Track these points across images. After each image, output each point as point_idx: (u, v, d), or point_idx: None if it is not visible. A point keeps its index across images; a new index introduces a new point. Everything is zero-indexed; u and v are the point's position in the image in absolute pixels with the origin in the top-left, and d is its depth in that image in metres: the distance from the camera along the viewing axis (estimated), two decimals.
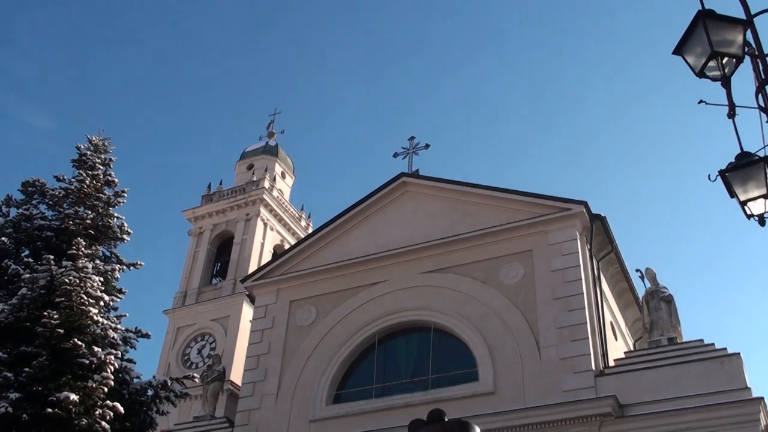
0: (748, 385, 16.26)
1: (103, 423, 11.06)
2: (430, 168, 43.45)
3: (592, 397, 17.12)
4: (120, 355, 12.33)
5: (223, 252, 33.04)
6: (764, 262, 68.28)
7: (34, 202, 14.85)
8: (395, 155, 24.12)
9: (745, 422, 15.67)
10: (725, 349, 17.08)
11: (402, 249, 21.49)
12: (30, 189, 14.93)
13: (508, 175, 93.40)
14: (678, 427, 16.11)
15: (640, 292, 20.55)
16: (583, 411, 16.90)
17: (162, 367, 26.87)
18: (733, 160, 8.52)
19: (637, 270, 19.99)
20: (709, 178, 8.30)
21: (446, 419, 2.86)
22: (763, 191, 8.16)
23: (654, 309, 18.29)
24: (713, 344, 17.33)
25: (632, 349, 22.17)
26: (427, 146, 24.17)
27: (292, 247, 24.32)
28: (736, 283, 74.25)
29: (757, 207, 8.20)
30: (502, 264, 20.11)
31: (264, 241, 32.83)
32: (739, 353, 16.82)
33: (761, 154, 8.42)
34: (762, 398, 15.96)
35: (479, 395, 17.89)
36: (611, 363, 18.45)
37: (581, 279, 19.04)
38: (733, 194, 8.22)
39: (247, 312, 26.99)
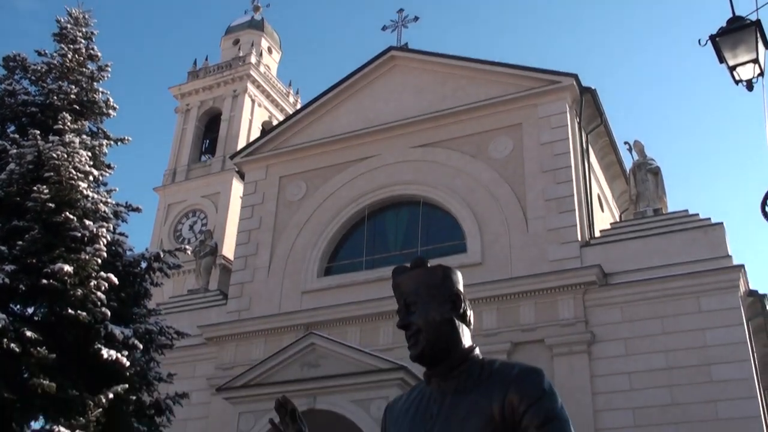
0: (730, 253, 16.68)
1: (99, 293, 11.27)
2: (419, 42, 42.85)
3: (577, 267, 17.53)
4: (112, 229, 12.42)
5: (211, 129, 32.83)
6: (750, 131, 68.50)
7: (16, 77, 14.55)
8: (384, 28, 23.68)
9: (725, 288, 16.15)
10: (709, 219, 17.40)
11: (391, 124, 21.42)
12: (11, 64, 14.60)
13: (498, 49, 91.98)
14: (660, 294, 16.59)
15: (628, 164, 20.71)
16: (568, 280, 17.34)
17: (155, 244, 27.17)
18: (725, 26, 8.43)
19: (626, 142, 20.05)
20: (699, 43, 8.22)
21: (429, 265, 2.92)
22: (753, 56, 8.11)
23: (641, 181, 18.46)
24: (697, 214, 17.62)
25: (618, 220, 22.51)
26: (416, 19, 23.68)
27: (281, 123, 24.21)
28: (722, 153, 74.78)
29: (745, 72, 8.15)
30: (491, 138, 20.12)
31: (252, 118, 32.59)
32: (722, 223, 17.16)
33: (753, 17, 8.31)
34: (742, 265, 16.39)
35: (467, 266, 18.25)
36: (597, 234, 18.79)
37: (570, 152, 19.11)
38: (722, 59, 8.16)
39: (237, 188, 27.11)
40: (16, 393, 10.64)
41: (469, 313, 2.92)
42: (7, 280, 10.94)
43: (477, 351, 2.87)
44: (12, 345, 10.53)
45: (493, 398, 2.62)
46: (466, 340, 2.88)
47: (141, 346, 11.96)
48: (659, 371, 15.95)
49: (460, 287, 2.95)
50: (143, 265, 12.84)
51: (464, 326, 2.89)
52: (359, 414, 15.49)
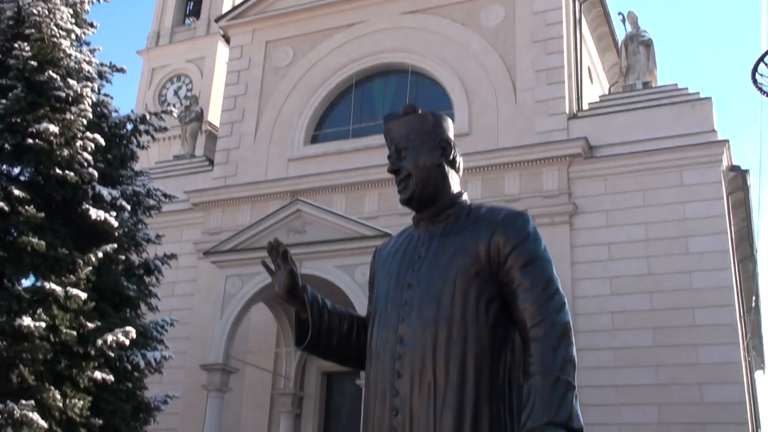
0: (715, 128, 16.74)
1: (85, 154, 11.24)
2: None
3: (564, 139, 17.58)
4: (96, 89, 12.24)
5: None
6: (744, 4, 67.28)
7: None
8: None
9: (710, 162, 16.30)
10: (697, 93, 17.34)
11: None
12: None
13: None
14: (644, 167, 16.75)
15: (620, 36, 20.40)
16: (554, 152, 17.41)
17: (139, 109, 26.78)
18: None
19: (619, 13, 19.67)
20: None
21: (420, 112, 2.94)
22: None
23: (632, 53, 18.25)
24: (686, 89, 17.55)
25: (607, 93, 22.40)
26: None
27: None
28: (714, 28, 73.71)
29: None
30: (482, 5, 19.67)
31: None
32: (710, 98, 17.11)
33: None
34: (727, 140, 16.50)
35: (455, 136, 18.20)
36: (585, 106, 18.74)
37: (562, 22, 18.77)
38: None
39: (223, 53, 26.54)
40: (6, 251, 10.80)
41: (459, 159, 2.98)
42: None
43: (465, 196, 2.94)
44: (0, 203, 10.59)
45: (480, 239, 2.71)
46: (455, 185, 2.94)
47: (129, 207, 12.05)
48: (638, 242, 16.31)
49: (451, 134, 2.99)
50: (129, 127, 12.74)
51: (453, 172, 2.95)
52: (344, 279, 15.87)
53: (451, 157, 2.94)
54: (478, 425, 2.51)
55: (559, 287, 2.64)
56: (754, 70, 5.24)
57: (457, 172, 2.98)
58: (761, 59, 4.71)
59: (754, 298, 21.02)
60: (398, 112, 3.02)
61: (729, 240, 16.11)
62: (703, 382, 14.85)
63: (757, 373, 23.96)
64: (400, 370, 2.63)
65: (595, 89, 21.83)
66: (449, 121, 3.04)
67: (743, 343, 16.61)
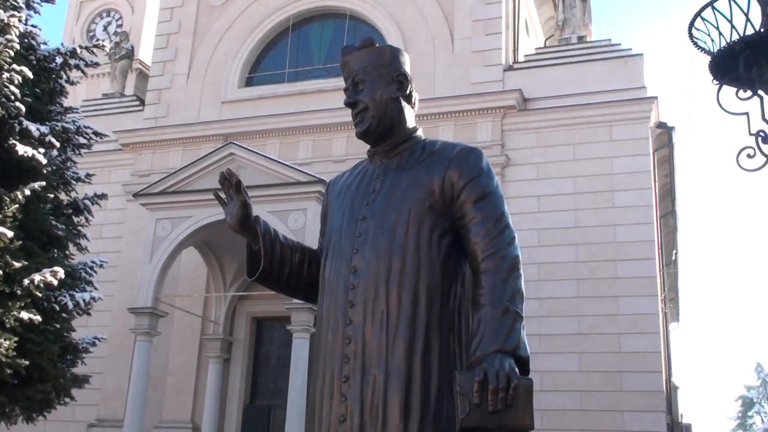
0: (645, 85, 17.12)
1: (12, 87, 10.76)
2: None
3: (499, 90, 17.73)
4: (24, 20, 11.73)
5: None
6: None
7: None
8: None
9: (638, 119, 16.70)
10: (630, 49, 17.66)
11: None
12: None
13: None
14: (575, 122, 17.05)
15: None
16: (489, 103, 17.56)
17: (66, 44, 25.80)
18: None
19: None
20: None
21: (377, 45, 2.94)
22: None
23: (569, 7, 18.41)
24: (620, 44, 17.85)
25: (542, 46, 22.58)
26: None
27: None
28: None
29: None
30: None
31: None
32: (642, 54, 17.46)
33: None
34: (656, 97, 16.89)
35: None
36: (521, 59, 18.88)
37: None
38: None
39: None
40: None
41: (415, 94, 3.00)
42: None
43: (420, 131, 2.97)
44: None
45: (434, 174, 2.75)
46: (410, 120, 2.97)
47: (58, 144, 11.67)
48: (566, 196, 16.67)
49: (407, 68, 3.00)
50: (58, 60, 12.28)
51: (409, 107, 2.97)
52: (277, 225, 15.74)
53: (408, 91, 2.96)
54: (428, 353, 2.58)
55: (509, 222, 2.71)
56: (691, 24, 5.34)
57: (413, 107, 3.01)
58: (698, 14, 4.83)
59: (674, 252, 21.83)
60: (355, 45, 3.02)
61: (653, 195, 16.65)
62: (621, 332, 15.42)
63: (672, 325, 24.99)
64: (353, 300, 2.68)
65: (531, 42, 21.99)
66: (406, 55, 3.05)
67: (661, 296, 17.30)
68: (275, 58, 20.53)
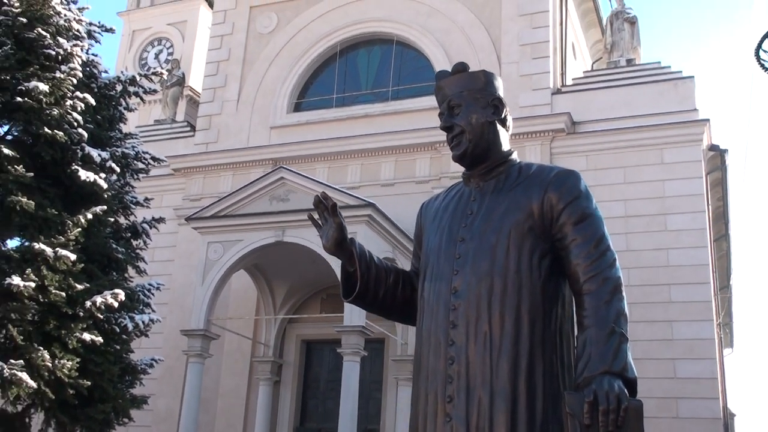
0: (696, 108, 16.97)
1: (74, 114, 11.08)
2: None
3: (547, 114, 17.71)
4: (86, 49, 12.08)
5: None
6: None
7: None
8: None
9: (690, 141, 16.54)
10: (680, 72, 17.55)
11: None
12: None
13: None
14: (625, 145, 16.96)
15: (605, 13, 20.54)
16: (537, 126, 17.54)
17: (118, 72, 26.45)
18: None
19: None
20: None
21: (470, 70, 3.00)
22: None
23: (617, 30, 18.39)
24: (669, 67, 17.75)
25: (590, 69, 22.53)
26: None
27: None
28: (700, 8, 74.28)
29: None
30: None
31: None
32: (692, 77, 17.33)
33: None
34: (708, 120, 16.73)
35: (438, 108, 18.25)
36: (569, 82, 18.86)
37: None
38: None
39: (205, 17, 26.26)
40: None
41: (509, 118, 3.04)
42: None
43: (515, 154, 3.01)
44: None
45: (533, 196, 2.79)
46: (506, 143, 3.01)
47: (118, 170, 11.95)
48: (617, 219, 16.50)
49: (501, 93, 3.05)
50: (118, 88, 12.61)
51: (504, 130, 3.02)
52: None
53: (503, 115, 3.01)
54: (533, 374, 2.60)
55: (610, 244, 2.73)
56: (758, 47, 5.32)
57: (507, 130, 3.05)
58: (766, 36, 4.80)
59: (728, 276, 21.47)
60: (448, 71, 3.08)
61: (707, 218, 16.42)
62: (676, 357, 15.18)
63: (726, 351, 24.52)
64: (454, 321, 2.71)
65: (578, 66, 21.96)
66: (500, 80, 3.10)
67: (716, 321, 16.99)
68: (323, 84, 20.77)
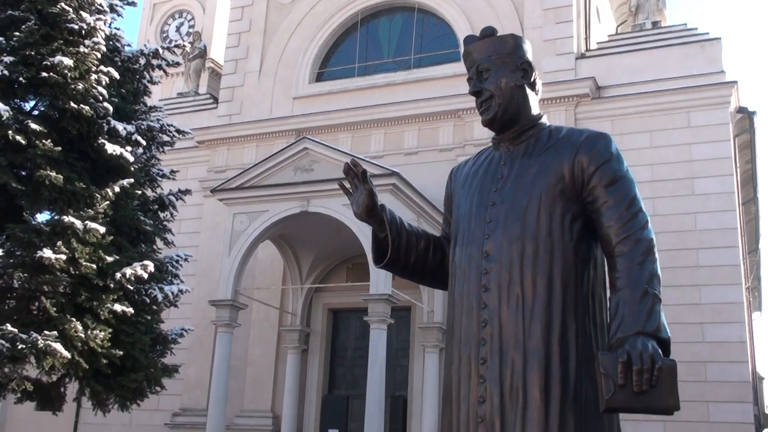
0: (724, 70, 16.71)
1: (99, 88, 11.16)
2: None
3: (571, 79, 17.53)
4: (108, 23, 12.12)
5: None
6: None
7: None
8: None
9: (717, 104, 16.32)
10: (707, 33, 17.26)
11: None
12: None
13: None
14: (651, 108, 16.76)
15: None
16: (562, 92, 17.36)
17: (140, 45, 26.54)
18: None
19: None
20: None
21: (499, 34, 2.98)
22: None
23: None
24: (696, 29, 17.47)
25: (615, 33, 22.21)
26: None
27: None
28: None
29: None
30: None
31: None
32: (719, 38, 17.04)
33: None
34: (735, 82, 16.48)
35: (460, 75, 18.17)
36: (593, 46, 18.64)
37: None
38: None
39: None
40: (24, 184, 10.83)
41: (538, 82, 3.03)
42: (6, 72, 10.79)
43: (545, 118, 3.01)
44: (17, 137, 10.57)
45: (563, 159, 2.78)
46: (535, 107, 3.01)
47: (143, 143, 12.04)
48: (644, 184, 16.31)
49: (530, 57, 3.03)
50: (142, 61, 12.66)
51: (533, 94, 3.01)
52: (351, 217, 15.79)
53: (532, 78, 3.00)
54: (566, 335, 2.62)
55: (642, 206, 2.73)
56: None
57: (537, 94, 3.04)
58: None
59: (757, 240, 21.27)
60: (476, 35, 3.06)
61: (734, 182, 16.24)
62: (704, 321, 15.13)
63: (755, 314, 24.36)
64: (487, 285, 2.73)
65: (602, 29, 21.66)
66: (528, 43, 3.08)
67: (745, 284, 16.88)
68: (345, 53, 20.69)
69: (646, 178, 16.33)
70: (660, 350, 2.42)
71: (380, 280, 14.80)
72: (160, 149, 13.29)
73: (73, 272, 10.45)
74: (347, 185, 3.13)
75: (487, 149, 3.11)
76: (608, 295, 2.67)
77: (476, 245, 2.81)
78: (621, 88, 17.21)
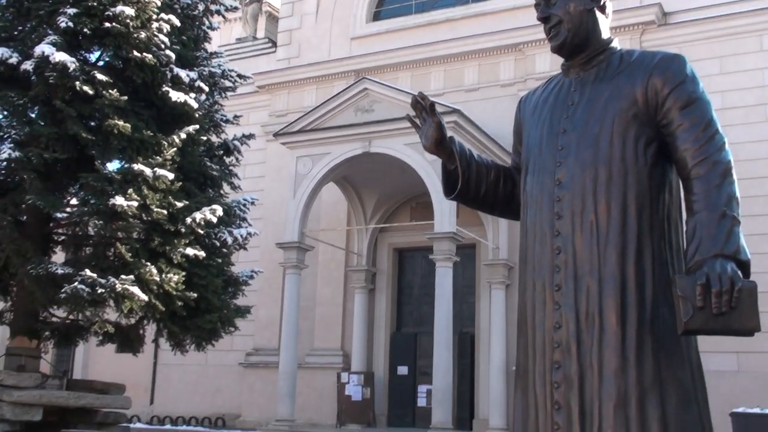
0: None
1: (161, 36, 11.29)
2: None
3: (636, 6, 16.99)
4: None
5: None
6: None
7: None
8: None
9: None
10: None
11: None
12: None
13: None
14: (722, 33, 16.18)
15: None
16: (627, 20, 16.85)
17: None
18: None
19: None
20: None
21: None
22: None
23: None
24: None
25: None
26: None
27: None
28: None
29: None
30: None
31: None
32: None
33: None
34: None
35: (521, 7, 17.77)
36: None
37: None
38: None
39: None
40: (94, 134, 11.09)
41: (608, 4, 2.95)
42: (70, 24, 10.97)
43: (615, 42, 2.93)
44: (84, 87, 10.80)
45: (636, 83, 2.72)
46: (605, 31, 2.93)
47: (206, 89, 12.18)
48: (715, 112, 15.89)
49: None
50: (200, 7, 12.72)
51: (603, 17, 2.93)
52: (413, 156, 15.88)
53: (602, 2, 2.92)
54: (641, 260, 2.60)
55: (719, 128, 2.66)
56: None
57: (607, 17, 2.96)
58: None
59: None
60: None
61: None
62: None
63: None
64: (560, 212, 2.71)
65: None
66: None
67: None
68: None
69: (717, 105, 15.56)
70: (740, 272, 2.38)
71: (444, 219, 14.83)
72: (223, 95, 13.43)
73: (145, 218, 10.75)
74: (416, 119, 3.13)
75: (557, 76, 3.05)
76: (684, 219, 2.63)
77: (548, 173, 2.79)
78: (688, 13, 16.62)
